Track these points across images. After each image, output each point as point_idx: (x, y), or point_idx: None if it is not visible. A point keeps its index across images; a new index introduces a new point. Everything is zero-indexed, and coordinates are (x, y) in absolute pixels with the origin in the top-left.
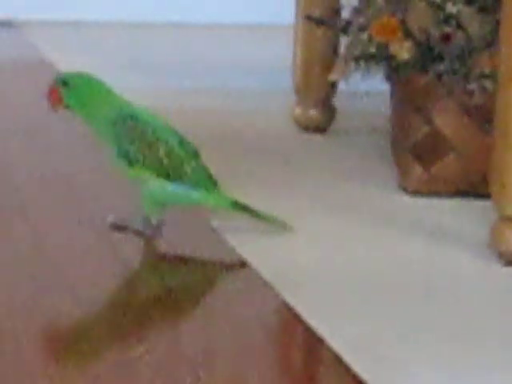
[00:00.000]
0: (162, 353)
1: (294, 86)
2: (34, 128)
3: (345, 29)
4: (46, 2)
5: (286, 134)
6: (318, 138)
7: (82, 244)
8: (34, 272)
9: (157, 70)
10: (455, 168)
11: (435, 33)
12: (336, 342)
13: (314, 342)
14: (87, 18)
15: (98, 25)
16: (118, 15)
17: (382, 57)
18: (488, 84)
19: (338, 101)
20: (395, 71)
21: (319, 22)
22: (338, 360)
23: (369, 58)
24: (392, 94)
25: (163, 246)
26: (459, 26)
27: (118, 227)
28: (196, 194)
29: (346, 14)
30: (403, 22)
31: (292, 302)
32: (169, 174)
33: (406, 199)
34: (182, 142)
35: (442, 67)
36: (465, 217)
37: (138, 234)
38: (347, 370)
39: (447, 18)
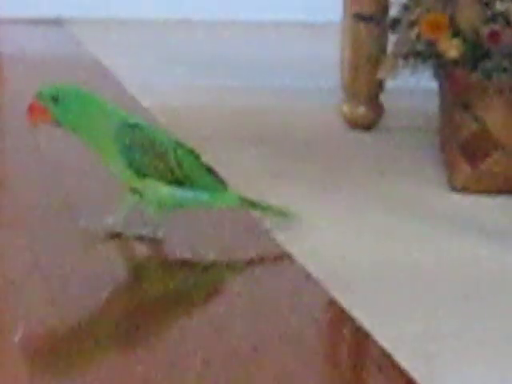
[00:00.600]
0: (211, 349)
1: (342, 83)
2: None
3: (393, 26)
4: (93, 0)
5: (333, 132)
6: (365, 135)
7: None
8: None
9: (204, 67)
10: (503, 165)
11: (484, 30)
12: (385, 338)
13: (362, 338)
14: (133, 16)
15: (143, 23)
16: (163, 13)
17: (430, 54)
18: None
19: (385, 98)
20: (443, 69)
21: (367, 20)
22: (386, 357)
23: (417, 55)
24: (440, 92)
25: (211, 242)
26: (508, 24)
27: (115, 234)
28: (205, 197)
29: (394, 11)
30: (452, 20)
31: (341, 298)
32: (179, 181)
33: (455, 196)
34: (182, 147)
35: (490, 65)
36: None
37: (139, 238)
38: (396, 367)
39: (495, 16)
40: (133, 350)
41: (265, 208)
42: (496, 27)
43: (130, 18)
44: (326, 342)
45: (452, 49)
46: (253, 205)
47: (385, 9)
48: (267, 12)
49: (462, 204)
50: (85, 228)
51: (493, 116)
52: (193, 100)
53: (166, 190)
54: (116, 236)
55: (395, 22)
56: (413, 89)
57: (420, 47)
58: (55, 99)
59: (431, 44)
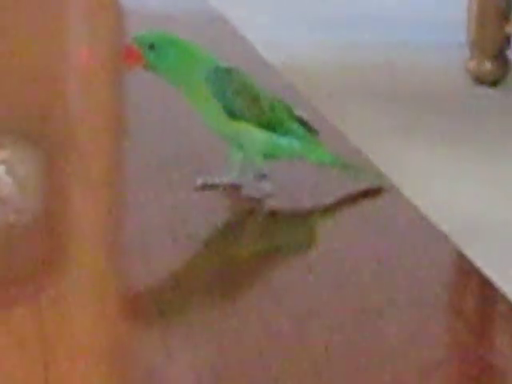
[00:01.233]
0: (343, 302)
1: (469, 39)
2: None
3: None
4: None
5: (459, 88)
6: (491, 91)
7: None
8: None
9: (326, 24)
10: None
11: None
12: None
13: (489, 293)
14: None
15: None
16: None
17: None
18: None
19: None
20: None
21: None
22: None
23: None
24: None
25: (330, 197)
26: None
27: (208, 186)
28: (299, 146)
29: None
30: None
31: (469, 252)
32: (272, 126)
33: None
34: (274, 97)
35: None
36: None
37: (247, 192)
38: None
39: None
40: (232, 302)
41: (358, 171)
42: None
43: None
44: (454, 295)
45: None
46: (346, 166)
47: None
48: None
49: None
50: (202, 185)
51: None
52: (318, 56)
53: (260, 134)
54: (230, 191)
55: None
56: None
57: None
58: (151, 45)
59: None
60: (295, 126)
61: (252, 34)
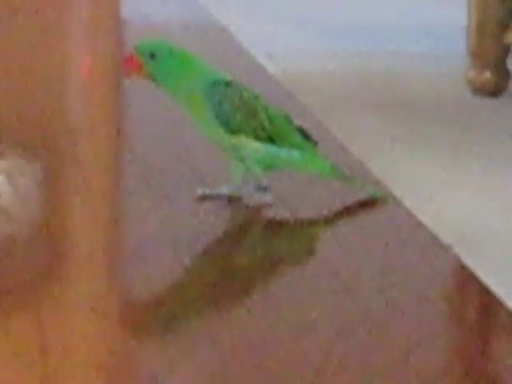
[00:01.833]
0: (338, 313)
1: (468, 48)
2: None
3: None
4: None
5: (459, 97)
6: (491, 100)
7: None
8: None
9: (330, 32)
10: None
11: None
12: None
13: (491, 303)
14: None
15: None
16: None
17: None
18: None
19: None
20: None
21: None
22: None
23: None
24: None
25: (331, 207)
26: None
27: (208, 197)
28: (298, 158)
29: None
30: None
31: (469, 262)
32: (270, 139)
33: None
34: (273, 108)
35: None
36: None
37: (248, 202)
38: None
39: None
40: (232, 313)
41: (356, 182)
42: None
43: None
44: (454, 304)
45: None
46: (344, 177)
47: None
48: None
49: None
50: (202, 195)
51: None
52: (319, 65)
53: (258, 147)
54: (231, 202)
55: None
56: None
57: None
58: (152, 55)
59: None
60: (294, 136)
61: (252, 44)
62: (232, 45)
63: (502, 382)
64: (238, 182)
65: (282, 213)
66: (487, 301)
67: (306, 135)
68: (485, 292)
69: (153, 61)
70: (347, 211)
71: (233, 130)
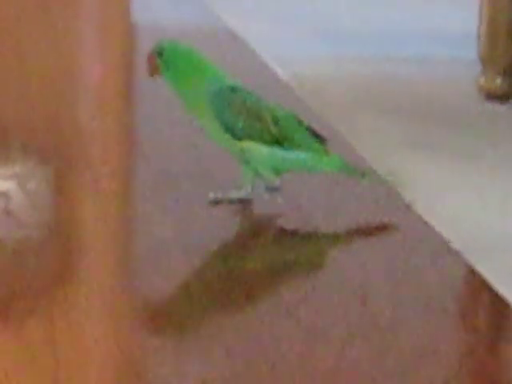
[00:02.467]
0: (351, 319)
1: (479, 54)
2: None
3: None
4: None
5: (470, 103)
6: (502, 106)
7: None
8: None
9: (340, 36)
10: None
11: None
12: None
13: (502, 309)
14: None
15: None
16: None
17: None
18: None
19: None
20: None
21: None
22: None
23: None
24: None
25: (342, 213)
26: None
27: (220, 201)
28: (307, 158)
29: None
30: None
31: (480, 268)
32: (278, 142)
33: None
34: (282, 110)
35: None
36: None
37: (243, 201)
38: None
39: None
40: (244, 317)
41: (367, 176)
42: None
43: None
44: (466, 311)
45: None
46: (356, 172)
47: None
48: None
49: None
50: (214, 200)
51: None
52: (329, 70)
53: (264, 150)
54: (243, 206)
55: None
56: None
57: None
58: (160, 53)
59: None
60: (302, 137)
61: (263, 48)
62: (242, 49)
63: None
64: (249, 186)
65: (294, 218)
66: (498, 306)
67: (315, 134)
68: (495, 297)
69: (160, 59)
70: (359, 218)
71: (238, 136)
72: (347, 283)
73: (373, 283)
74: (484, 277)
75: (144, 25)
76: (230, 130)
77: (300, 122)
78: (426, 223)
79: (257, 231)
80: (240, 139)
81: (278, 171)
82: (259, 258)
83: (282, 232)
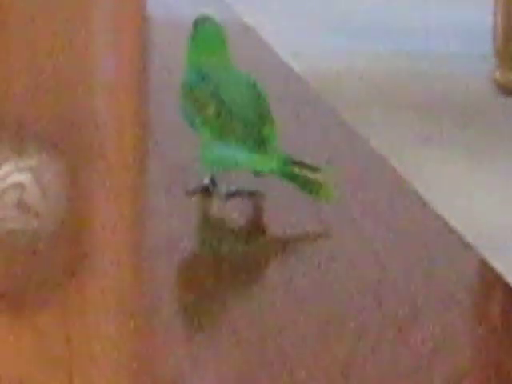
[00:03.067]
0: (366, 314)
1: (495, 49)
2: None
3: None
4: None
5: (485, 98)
6: None
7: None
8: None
9: (355, 31)
10: None
11: None
12: None
13: None
14: None
15: None
16: None
17: None
18: None
19: None
20: None
21: None
22: None
23: None
24: None
25: (356, 207)
26: None
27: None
28: (242, 157)
29: None
30: None
31: (494, 263)
32: (220, 133)
33: None
34: (257, 103)
35: None
36: None
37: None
38: None
39: None
40: (257, 309)
41: (304, 185)
42: None
43: None
44: (480, 305)
45: None
46: (294, 179)
47: None
48: None
49: None
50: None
51: None
52: (342, 64)
53: (207, 144)
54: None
55: None
56: None
57: None
58: (196, 23)
59: None
60: (247, 131)
61: (278, 42)
62: (257, 43)
63: None
64: (208, 175)
65: (305, 211)
66: None
67: (306, 166)
68: (510, 292)
69: (193, 30)
70: (372, 210)
71: (193, 126)
72: (361, 278)
73: (387, 278)
74: (498, 271)
75: (158, 19)
76: (188, 119)
77: (267, 120)
78: (440, 218)
79: (267, 224)
80: (193, 127)
81: (217, 166)
82: (272, 250)
83: (294, 224)
